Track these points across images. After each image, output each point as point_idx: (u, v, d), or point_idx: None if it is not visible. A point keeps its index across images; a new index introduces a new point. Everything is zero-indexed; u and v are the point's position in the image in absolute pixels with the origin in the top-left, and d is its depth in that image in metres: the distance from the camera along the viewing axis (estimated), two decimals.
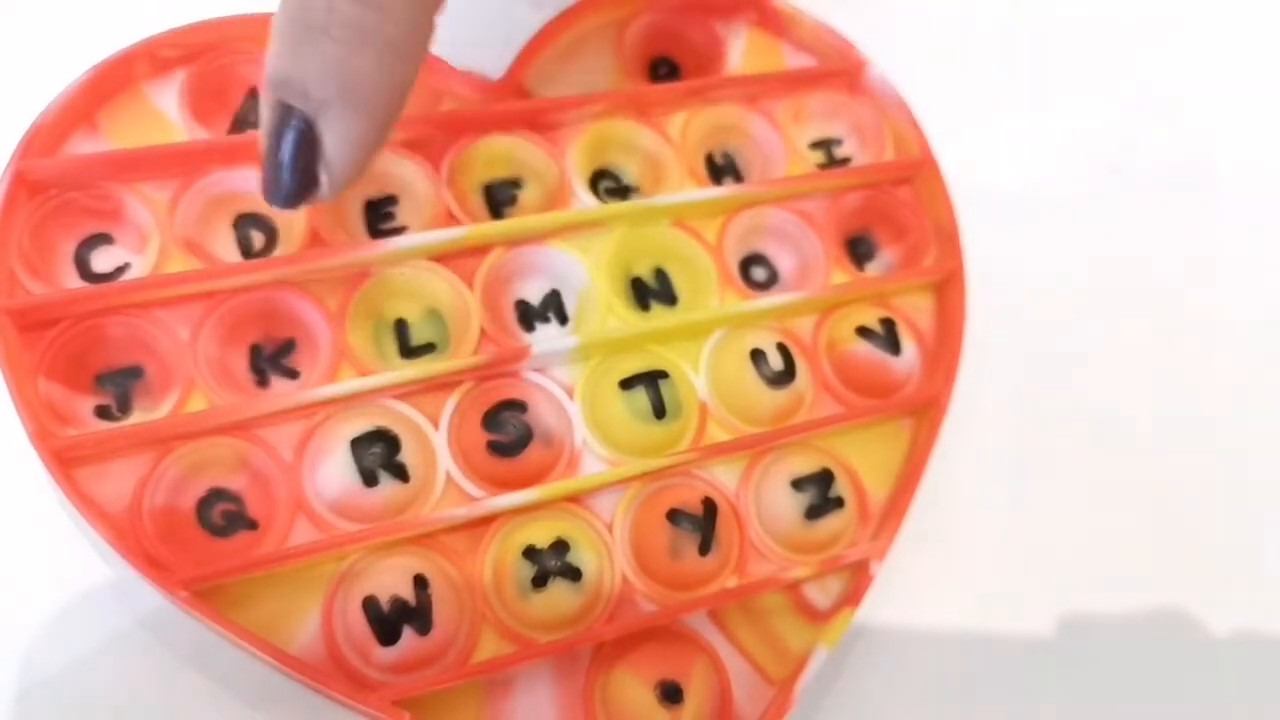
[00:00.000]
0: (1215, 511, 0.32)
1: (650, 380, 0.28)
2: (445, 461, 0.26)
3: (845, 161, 0.32)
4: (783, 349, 0.29)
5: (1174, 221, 0.35)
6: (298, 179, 0.22)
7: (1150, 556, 0.31)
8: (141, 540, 0.24)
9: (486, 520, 0.26)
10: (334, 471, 0.26)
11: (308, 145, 0.22)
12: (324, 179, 0.22)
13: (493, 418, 0.27)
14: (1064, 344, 0.33)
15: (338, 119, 0.22)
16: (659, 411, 0.28)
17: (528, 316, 0.29)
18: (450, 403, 0.27)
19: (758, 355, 0.29)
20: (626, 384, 0.28)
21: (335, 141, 0.22)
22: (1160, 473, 0.32)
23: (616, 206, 0.29)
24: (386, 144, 0.28)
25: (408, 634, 0.25)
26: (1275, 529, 0.32)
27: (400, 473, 0.26)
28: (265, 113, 0.22)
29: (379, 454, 0.26)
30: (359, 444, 0.26)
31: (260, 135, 0.22)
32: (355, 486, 0.26)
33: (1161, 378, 0.33)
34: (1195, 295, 0.35)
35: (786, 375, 0.29)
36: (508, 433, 0.27)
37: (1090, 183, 0.35)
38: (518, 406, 0.27)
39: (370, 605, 0.25)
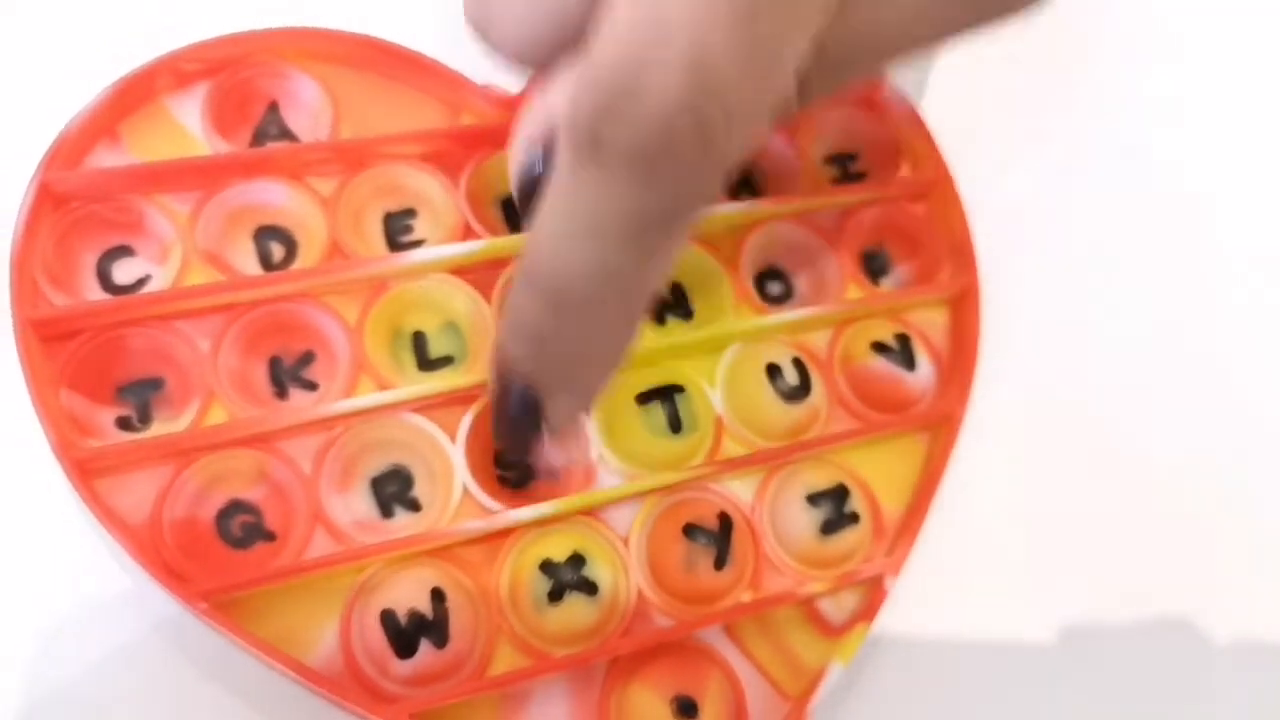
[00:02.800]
0: (1231, 528, 0.32)
1: (666, 395, 0.28)
2: (462, 475, 0.26)
3: (860, 177, 0.32)
4: (798, 364, 0.29)
5: (1189, 239, 0.35)
6: (526, 437, 0.24)
7: (1165, 572, 0.31)
8: (161, 551, 0.24)
9: (503, 534, 0.26)
10: (352, 504, 0.26)
11: (534, 416, 0.23)
12: (545, 431, 0.24)
13: (500, 456, 0.28)
14: (1078, 360, 0.33)
15: (561, 400, 0.23)
16: (675, 426, 0.28)
17: None
18: (468, 417, 0.27)
19: (773, 370, 0.29)
20: (643, 398, 0.28)
21: (556, 413, 0.24)
22: (1175, 489, 0.32)
23: None
24: (408, 158, 0.28)
25: (425, 647, 0.25)
26: None
27: (414, 506, 0.26)
28: (492, 379, 0.24)
29: (396, 490, 0.27)
30: (378, 482, 0.27)
31: (490, 389, 0.24)
32: (372, 518, 0.26)
33: (1176, 394, 0.33)
34: (1209, 313, 0.35)
35: (802, 390, 0.29)
36: (512, 471, 0.28)
37: (1106, 200, 0.35)
38: None
39: (388, 618, 0.25)
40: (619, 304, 0.21)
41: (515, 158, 0.22)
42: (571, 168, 0.19)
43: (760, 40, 0.18)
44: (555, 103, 0.21)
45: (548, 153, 0.21)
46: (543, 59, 0.22)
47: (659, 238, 0.20)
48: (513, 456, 0.26)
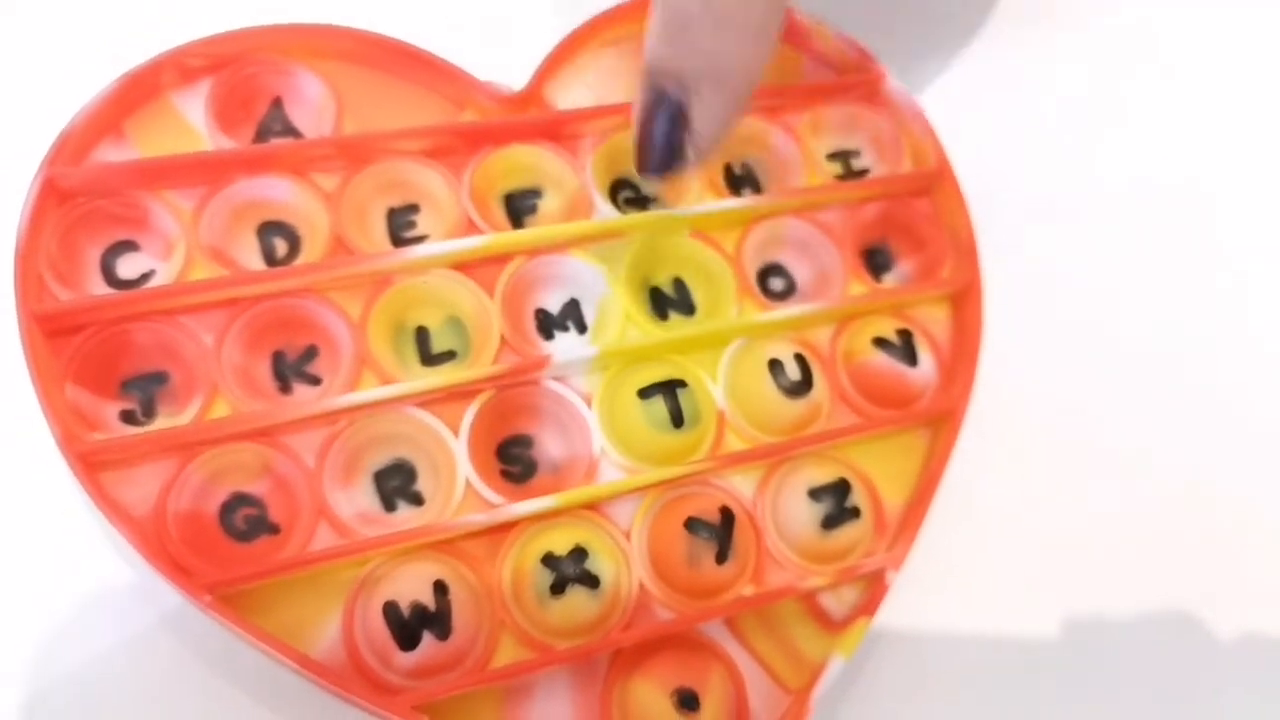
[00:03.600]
0: (1230, 523, 0.32)
1: (669, 389, 0.28)
2: (465, 468, 0.27)
3: (863, 173, 0.32)
4: (800, 359, 0.29)
5: (1191, 235, 0.35)
6: (669, 153, 0.25)
7: (1166, 567, 0.31)
8: (166, 544, 0.25)
9: (506, 527, 0.26)
10: (355, 498, 0.26)
11: (679, 124, 0.24)
12: (691, 152, 0.25)
13: (502, 450, 0.28)
14: (1079, 357, 0.33)
15: (707, 101, 0.24)
16: (677, 420, 0.28)
17: (547, 325, 0.29)
18: (470, 411, 0.27)
19: (775, 365, 0.29)
20: (645, 393, 0.28)
21: (703, 120, 0.24)
22: (1177, 485, 0.32)
23: (636, 217, 0.29)
24: (411, 154, 0.28)
25: (427, 639, 0.25)
26: None
27: (417, 500, 0.27)
28: (640, 95, 0.25)
29: (398, 484, 0.27)
30: (381, 476, 0.27)
31: (634, 114, 0.25)
32: (375, 511, 0.26)
33: (1176, 390, 0.33)
34: (1211, 309, 0.35)
35: (804, 385, 0.29)
36: (515, 465, 0.28)
37: (1108, 196, 0.35)
38: (524, 442, 0.28)
39: (391, 610, 0.25)
40: None
41: None
42: None
43: None
44: None
45: None
46: None
47: None
48: (657, 176, 0.26)
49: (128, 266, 0.27)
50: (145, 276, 0.27)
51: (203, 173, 0.27)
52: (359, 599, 0.25)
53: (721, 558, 0.27)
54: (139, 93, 0.28)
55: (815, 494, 0.28)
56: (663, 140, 0.25)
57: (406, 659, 0.25)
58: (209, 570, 0.24)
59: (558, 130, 0.30)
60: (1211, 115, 0.37)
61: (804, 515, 0.28)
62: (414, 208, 0.29)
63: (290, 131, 0.29)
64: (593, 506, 0.27)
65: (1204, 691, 0.30)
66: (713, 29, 0.23)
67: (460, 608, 0.25)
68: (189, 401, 0.26)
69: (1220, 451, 0.33)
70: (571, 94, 0.31)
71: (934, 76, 0.33)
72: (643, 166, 0.26)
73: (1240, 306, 0.35)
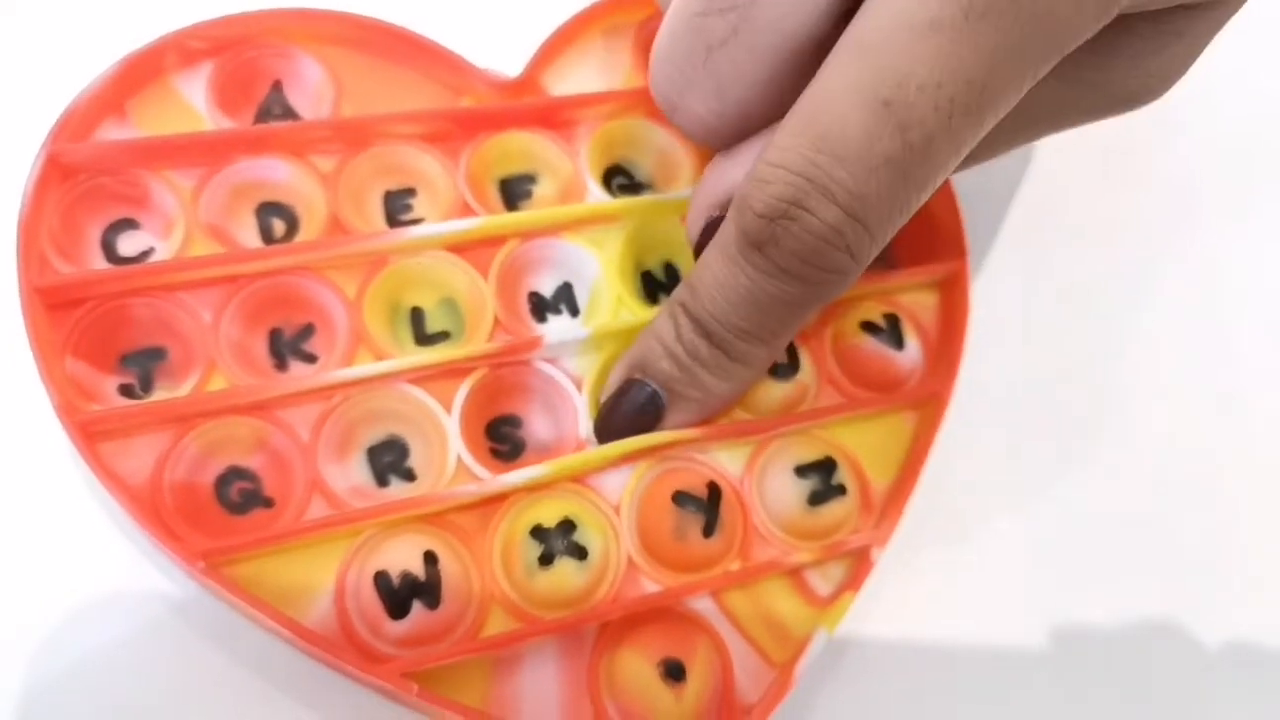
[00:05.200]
0: (1215, 508, 0.32)
1: None
2: (456, 445, 0.27)
3: None
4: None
5: (1179, 224, 0.36)
6: (631, 429, 0.27)
7: (1147, 551, 0.31)
8: (161, 513, 0.25)
9: (496, 500, 0.27)
10: (349, 473, 0.27)
11: (655, 414, 0.27)
12: (655, 430, 0.27)
13: (492, 429, 0.28)
14: (1064, 342, 0.33)
15: (685, 412, 0.27)
16: None
17: (540, 307, 0.29)
18: (463, 389, 0.27)
19: None
20: None
21: (677, 419, 0.27)
22: (1159, 470, 0.32)
23: (629, 201, 0.30)
24: (408, 138, 0.29)
25: (417, 608, 0.25)
26: (1275, 526, 0.32)
27: (410, 475, 0.27)
28: (623, 376, 0.27)
29: (391, 460, 0.27)
30: (374, 451, 0.27)
31: (610, 385, 0.28)
32: (369, 486, 0.27)
33: (1163, 376, 0.34)
34: (1199, 297, 0.35)
35: (791, 368, 0.30)
36: (504, 444, 0.28)
37: (1094, 184, 0.36)
38: (513, 422, 0.28)
39: (381, 579, 0.25)
40: (766, 348, 0.26)
41: (696, 212, 0.27)
42: (735, 257, 0.24)
43: (909, 189, 0.22)
44: (734, 176, 0.25)
45: (724, 211, 0.25)
46: (723, 145, 0.26)
47: (811, 310, 0.25)
48: (611, 438, 0.28)
49: (128, 244, 0.27)
50: (145, 254, 0.27)
51: (203, 153, 0.28)
52: (350, 568, 0.25)
53: (708, 532, 0.27)
54: (141, 74, 0.28)
55: (801, 471, 0.29)
56: (629, 420, 0.27)
57: (397, 627, 0.25)
58: (203, 539, 0.25)
59: (553, 117, 0.31)
60: (1210, 114, 0.38)
61: (790, 492, 0.28)
62: (410, 191, 0.29)
63: (290, 114, 0.29)
64: (581, 480, 0.27)
65: (1183, 670, 0.30)
66: (717, 375, 0.26)
67: (450, 578, 0.26)
68: (186, 377, 0.26)
69: (1208, 438, 0.33)
70: (567, 81, 0.31)
71: None
72: (602, 430, 0.28)
73: (1228, 296, 0.35)
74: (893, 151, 0.21)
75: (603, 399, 0.28)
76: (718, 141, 0.26)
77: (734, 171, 0.25)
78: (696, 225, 0.27)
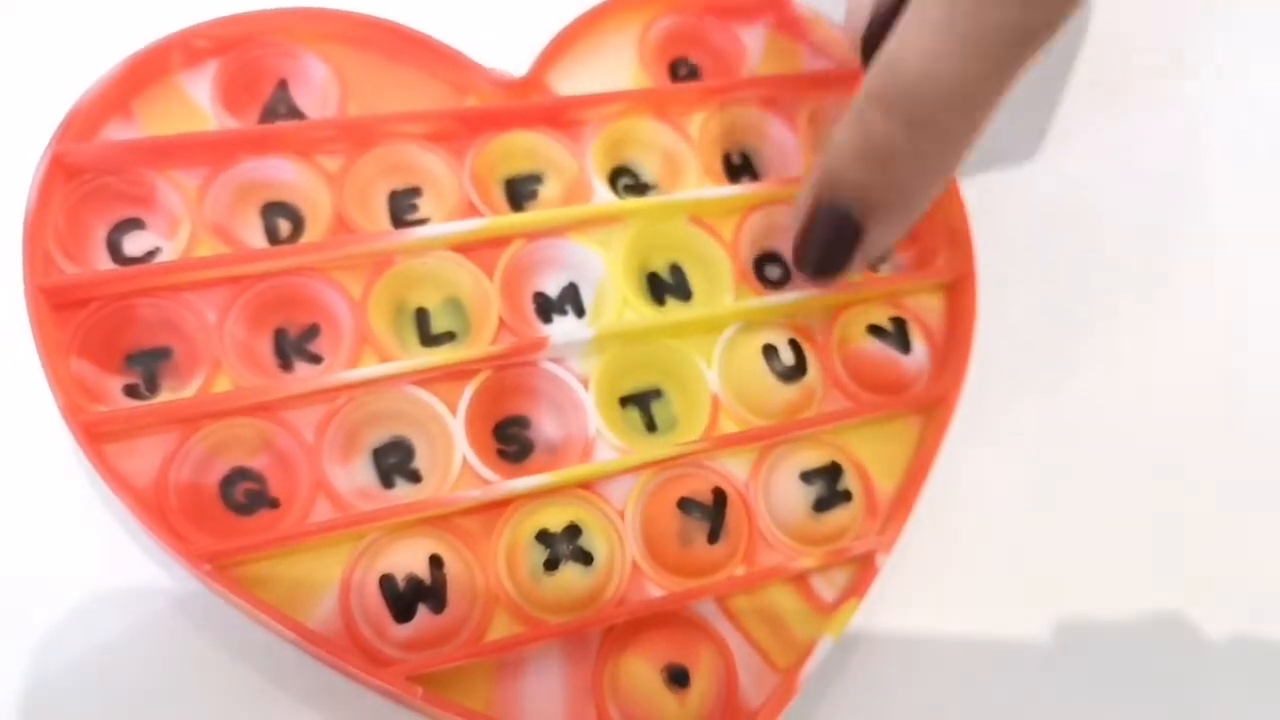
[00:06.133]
0: (1222, 513, 0.32)
1: (643, 400, 0.29)
2: (462, 447, 0.27)
3: None
4: (795, 345, 0.30)
5: (1185, 228, 0.36)
6: (830, 260, 0.27)
7: (1154, 555, 0.31)
8: (166, 514, 0.25)
9: (501, 505, 0.27)
10: (354, 474, 0.27)
11: (852, 236, 0.26)
12: (857, 259, 0.26)
13: (500, 430, 0.28)
14: (1071, 346, 0.33)
15: (886, 222, 0.26)
16: (650, 427, 0.29)
17: (546, 308, 0.29)
18: (468, 390, 0.27)
19: (770, 350, 0.30)
20: (622, 402, 0.29)
21: (877, 241, 0.26)
22: (1166, 474, 0.32)
23: (635, 202, 0.30)
24: (414, 138, 0.29)
25: (422, 612, 0.25)
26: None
27: (415, 477, 0.27)
28: (813, 198, 0.26)
29: (396, 461, 0.27)
30: (379, 453, 0.27)
31: (800, 211, 0.27)
32: (374, 488, 0.27)
33: (1169, 381, 0.33)
34: (1204, 300, 0.35)
35: (798, 370, 0.30)
36: (512, 444, 0.28)
37: (1100, 187, 0.36)
38: (521, 422, 0.28)
39: (386, 583, 0.25)
40: (970, 121, 0.24)
41: (861, 11, 0.26)
42: None
43: None
44: None
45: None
46: None
47: (1024, 54, 0.23)
48: (820, 280, 0.27)
49: (134, 244, 0.27)
50: (151, 254, 0.27)
51: (208, 152, 0.28)
52: (356, 571, 0.25)
53: (714, 538, 0.27)
54: (147, 73, 0.28)
55: (807, 477, 0.29)
56: (826, 247, 0.26)
57: (401, 631, 0.25)
58: (208, 541, 0.25)
59: (559, 116, 0.30)
60: (1207, 111, 0.37)
61: (796, 498, 0.28)
62: (416, 190, 0.29)
63: (295, 114, 0.29)
64: (587, 486, 0.27)
65: (1190, 673, 0.30)
66: (915, 168, 0.25)
67: (455, 582, 0.26)
68: (192, 377, 0.26)
69: (1214, 442, 0.33)
70: (573, 81, 0.31)
71: None
72: (801, 263, 0.27)
73: (1235, 299, 0.35)
74: None
75: (792, 231, 0.27)
76: None
77: None
78: (863, 16, 0.26)
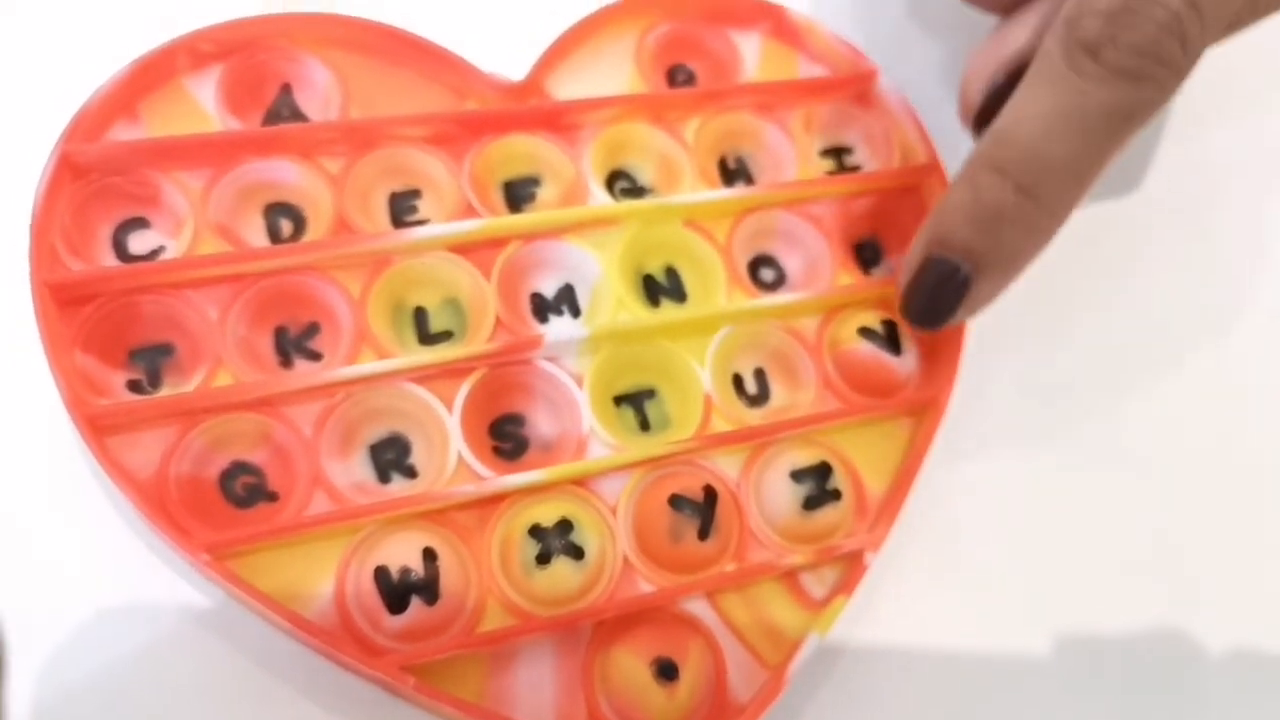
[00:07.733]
0: (1213, 513, 0.32)
1: (637, 400, 0.30)
2: (457, 443, 0.27)
3: (855, 170, 0.33)
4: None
5: (1179, 231, 0.36)
6: (936, 313, 0.28)
7: (1142, 556, 0.31)
8: (166, 506, 0.25)
9: (495, 500, 0.27)
10: (351, 469, 0.27)
11: (959, 289, 0.27)
12: (961, 312, 0.28)
13: (495, 428, 0.28)
14: (1062, 349, 0.34)
15: (990, 278, 0.27)
16: (644, 426, 0.30)
17: (542, 308, 0.30)
18: (464, 388, 0.28)
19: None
20: (616, 401, 0.30)
21: (980, 296, 0.28)
22: (1156, 475, 0.32)
23: (631, 205, 0.30)
24: (414, 141, 0.29)
25: (416, 604, 0.26)
26: (1274, 533, 0.32)
27: (411, 473, 0.27)
28: (924, 253, 0.28)
29: (393, 457, 0.28)
30: (376, 449, 0.28)
31: (911, 264, 0.28)
32: (370, 481, 0.27)
33: (1161, 385, 0.34)
34: (1198, 304, 0.35)
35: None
36: (507, 442, 0.28)
37: (1096, 191, 0.36)
38: (516, 420, 0.29)
39: (381, 575, 0.26)
40: (1078, 189, 0.26)
41: (978, 78, 0.28)
42: (1063, 75, 0.25)
43: None
44: (1019, 38, 0.28)
45: (1011, 74, 0.27)
46: (1002, 9, 0.29)
47: (1131, 130, 0.25)
48: (925, 328, 0.29)
49: (138, 242, 0.28)
50: (155, 252, 0.28)
51: (213, 154, 0.28)
52: (351, 563, 0.26)
53: (704, 534, 0.28)
54: (153, 76, 0.29)
55: (797, 476, 0.29)
56: (933, 298, 0.28)
57: (395, 622, 0.26)
58: (207, 532, 0.25)
59: (557, 120, 0.31)
60: (1206, 110, 0.38)
61: (786, 496, 0.29)
62: (415, 192, 0.30)
63: (298, 116, 0.30)
64: (580, 482, 0.28)
65: (1186, 671, 0.30)
66: (1022, 230, 0.27)
67: (448, 574, 0.26)
68: (193, 373, 0.27)
69: (1206, 447, 0.33)
70: (571, 85, 0.32)
71: (925, 75, 0.34)
72: (907, 310, 0.29)
73: (1233, 305, 0.35)
74: None
75: (901, 281, 0.28)
76: (997, 5, 0.29)
77: (1017, 33, 0.28)
78: (978, 94, 0.28)
